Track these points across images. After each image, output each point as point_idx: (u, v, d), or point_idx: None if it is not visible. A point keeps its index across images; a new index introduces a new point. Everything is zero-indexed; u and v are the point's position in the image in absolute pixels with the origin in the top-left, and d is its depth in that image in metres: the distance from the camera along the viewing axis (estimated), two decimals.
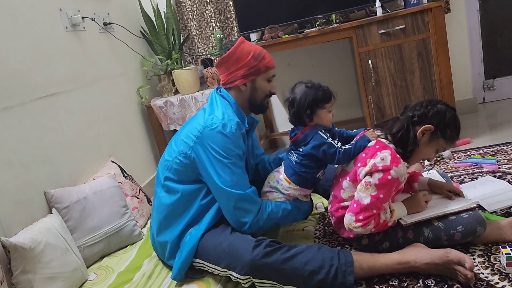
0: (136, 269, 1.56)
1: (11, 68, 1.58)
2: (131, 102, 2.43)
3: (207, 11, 2.70)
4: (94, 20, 2.12)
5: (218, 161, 1.32)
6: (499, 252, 1.22)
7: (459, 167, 1.94)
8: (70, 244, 1.51)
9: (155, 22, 2.56)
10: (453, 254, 1.15)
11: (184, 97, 2.43)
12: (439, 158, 2.09)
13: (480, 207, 1.42)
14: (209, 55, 2.64)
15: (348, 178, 1.32)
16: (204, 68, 2.54)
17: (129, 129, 2.36)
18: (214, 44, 2.73)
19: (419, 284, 1.17)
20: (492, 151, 2.04)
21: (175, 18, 2.64)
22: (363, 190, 1.24)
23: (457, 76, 2.53)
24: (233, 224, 1.35)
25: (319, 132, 1.36)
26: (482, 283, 1.13)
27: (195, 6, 2.71)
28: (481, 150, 2.07)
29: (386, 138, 1.31)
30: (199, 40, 2.76)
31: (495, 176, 1.72)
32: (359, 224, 1.24)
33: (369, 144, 1.32)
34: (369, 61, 2.23)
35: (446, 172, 1.86)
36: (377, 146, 1.28)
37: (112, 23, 2.31)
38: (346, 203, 1.32)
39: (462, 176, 1.83)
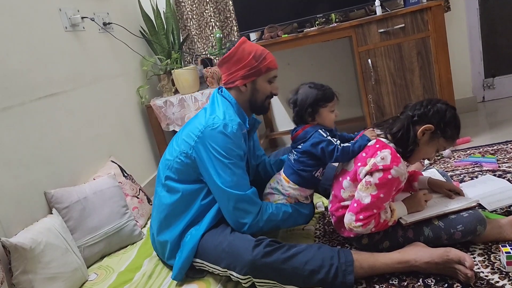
0: (137, 269, 1.56)
1: (11, 68, 1.58)
2: (131, 102, 2.43)
3: (206, 11, 2.70)
4: (93, 20, 2.12)
5: (218, 161, 1.32)
6: (499, 251, 1.21)
7: (459, 166, 1.94)
8: (71, 244, 1.52)
9: (155, 22, 2.56)
10: (453, 253, 1.15)
11: (184, 97, 2.43)
12: (439, 157, 2.09)
13: (480, 206, 1.42)
14: (208, 55, 2.64)
15: (348, 178, 1.32)
16: (204, 68, 2.54)
17: (129, 129, 2.36)
18: (213, 44, 2.73)
19: (419, 283, 1.17)
20: (492, 149, 2.04)
21: (175, 18, 2.64)
22: (363, 189, 1.24)
23: (457, 75, 2.53)
24: (232, 225, 1.35)
25: (319, 130, 1.37)
26: (482, 282, 1.13)
27: (194, 5, 2.71)
28: (481, 149, 2.07)
29: (386, 138, 1.31)
30: (199, 39, 2.76)
31: (495, 175, 1.72)
32: (359, 223, 1.24)
33: (369, 144, 1.32)
34: (369, 60, 2.23)
35: (446, 171, 1.86)
36: (377, 146, 1.28)
37: (111, 23, 2.30)
38: (346, 203, 1.32)
39: (462, 175, 1.83)
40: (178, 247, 1.42)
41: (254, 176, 1.65)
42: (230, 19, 2.71)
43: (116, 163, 2.02)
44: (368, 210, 1.23)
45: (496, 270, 1.16)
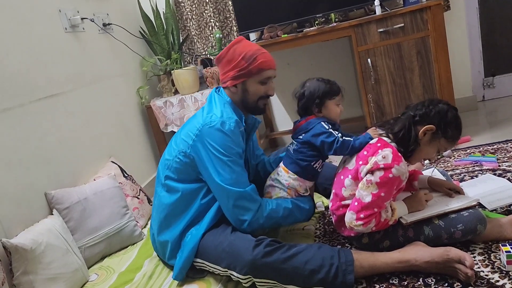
0: (137, 269, 1.56)
1: (11, 69, 1.58)
2: (131, 103, 2.43)
3: (206, 11, 2.71)
4: (93, 21, 2.12)
5: (217, 159, 1.32)
6: (499, 250, 1.21)
7: (459, 165, 1.94)
8: (71, 244, 1.52)
9: (154, 22, 2.57)
10: (453, 252, 1.15)
11: (183, 97, 2.43)
12: (439, 157, 2.09)
13: (480, 205, 1.42)
14: (208, 55, 2.64)
15: (350, 176, 1.32)
16: (204, 68, 2.54)
17: (129, 129, 2.36)
18: (213, 44, 2.73)
19: (419, 283, 1.18)
20: (492, 149, 2.04)
21: (174, 18, 2.64)
22: (364, 188, 1.25)
23: (456, 74, 2.53)
24: (232, 222, 1.35)
25: (322, 122, 1.40)
26: (482, 281, 1.13)
27: (194, 6, 2.71)
28: (481, 148, 2.07)
29: (388, 137, 1.31)
30: (199, 40, 2.76)
31: (495, 174, 1.72)
32: (360, 222, 1.25)
33: (371, 142, 1.32)
34: (369, 59, 2.23)
35: (446, 170, 1.86)
36: (379, 144, 1.28)
37: (111, 23, 2.31)
38: (347, 202, 1.32)
39: (462, 174, 1.83)
40: (178, 247, 1.42)
41: (254, 175, 1.65)
42: (230, 19, 2.71)
43: (116, 164, 2.02)
44: (369, 209, 1.23)
45: (496, 269, 1.16)
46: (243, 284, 1.27)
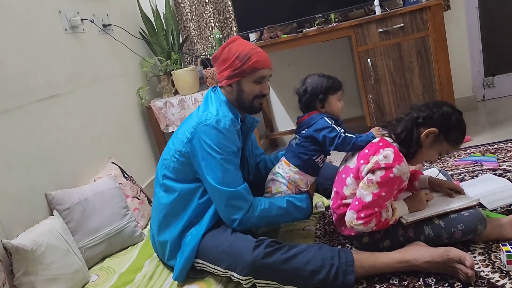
0: (138, 270, 1.56)
1: (11, 70, 1.58)
2: (131, 103, 2.43)
3: (206, 12, 2.71)
4: (93, 22, 2.12)
5: (210, 157, 1.32)
6: (500, 250, 1.22)
7: (459, 165, 1.94)
8: (72, 245, 1.52)
9: (154, 23, 2.57)
10: (454, 252, 1.15)
11: (183, 98, 2.43)
12: (439, 156, 2.09)
13: (480, 205, 1.42)
14: (208, 56, 2.65)
15: (351, 175, 1.32)
16: (204, 69, 2.54)
17: (129, 130, 2.37)
18: (213, 45, 2.73)
19: (419, 283, 1.18)
20: (492, 148, 2.04)
21: (174, 19, 2.64)
22: (365, 187, 1.25)
23: (456, 74, 2.53)
24: (224, 221, 1.36)
25: (325, 117, 1.41)
26: (482, 281, 1.13)
27: (194, 6, 2.72)
28: (481, 148, 2.07)
29: (391, 137, 1.31)
30: (199, 40, 2.76)
31: (495, 174, 1.72)
32: (360, 221, 1.25)
33: (373, 141, 1.32)
34: (368, 59, 2.23)
35: (446, 170, 1.86)
36: (381, 144, 1.28)
37: (111, 24, 2.31)
38: (347, 201, 1.33)
39: (462, 174, 1.83)
40: (178, 248, 1.42)
41: (255, 175, 1.66)
42: (230, 19, 2.71)
43: (116, 164, 2.03)
44: (370, 208, 1.23)
45: (496, 269, 1.16)
46: (243, 285, 1.27)
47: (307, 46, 2.69)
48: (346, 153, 1.46)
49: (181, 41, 2.72)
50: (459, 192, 1.37)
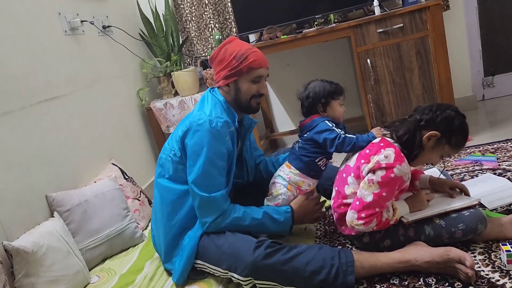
0: (138, 271, 1.57)
1: (11, 72, 1.58)
2: (131, 105, 2.44)
3: (205, 13, 2.71)
4: (93, 24, 2.12)
5: (196, 157, 1.32)
6: (500, 249, 1.22)
7: (459, 165, 1.94)
8: (72, 247, 1.52)
9: (154, 24, 2.57)
10: (454, 252, 1.15)
11: (183, 99, 2.43)
12: None
13: (480, 204, 1.43)
14: (208, 57, 2.64)
15: (352, 174, 1.32)
16: (204, 70, 2.55)
17: (130, 131, 2.37)
18: (213, 46, 2.73)
19: (420, 283, 1.18)
20: (492, 148, 2.04)
21: (174, 20, 2.65)
22: (365, 187, 1.25)
23: (456, 73, 2.53)
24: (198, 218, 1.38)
25: (326, 120, 1.43)
26: (483, 280, 1.13)
27: (193, 7, 2.72)
28: (481, 148, 2.07)
29: (392, 138, 1.31)
30: (198, 41, 2.77)
31: (495, 174, 1.72)
32: (361, 221, 1.25)
33: (374, 141, 1.33)
34: (368, 60, 2.23)
35: (447, 170, 1.86)
36: (382, 144, 1.28)
37: (111, 26, 2.31)
38: (348, 200, 1.33)
39: (462, 174, 1.83)
40: (173, 250, 1.42)
41: (255, 176, 1.66)
42: (229, 20, 2.72)
43: (116, 166, 2.03)
44: (371, 208, 1.24)
45: (496, 269, 1.16)
46: (244, 286, 1.27)
47: (307, 47, 2.69)
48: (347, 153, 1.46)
49: (180, 42, 2.72)
50: (462, 189, 1.37)
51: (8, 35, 1.61)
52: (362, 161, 1.29)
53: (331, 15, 2.39)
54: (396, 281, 1.21)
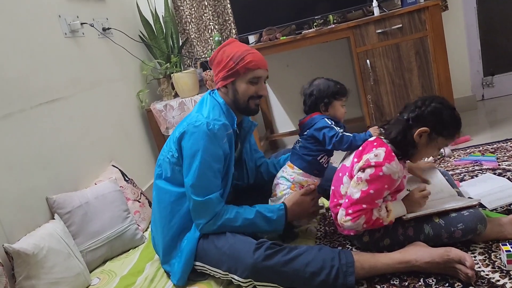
0: (139, 272, 1.57)
1: (11, 75, 1.59)
2: (131, 106, 2.44)
3: (205, 14, 2.72)
4: (93, 26, 2.13)
5: (193, 159, 1.32)
6: (500, 249, 1.22)
7: (459, 165, 1.94)
8: (73, 249, 1.52)
9: (154, 26, 2.58)
10: (454, 252, 1.15)
11: (183, 100, 2.44)
12: (439, 157, 2.09)
13: (480, 204, 1.43)
14: (208, 58, 2.65)
15: (347, 173, 1.33)
16: (203, 71, 2.55)
17: (130, 133, 2.37)
18: (213, 47, 2.74)
19: (420, 283, 1.18)
20: (491, 148, 2.04)
21: (174, 22, 2.65)
22: (354, 185, 1.26)
23: (455, 73, 2.53)
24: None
25: (325, 118, 1.45)
26: (483, 280, 1.13)
27: (193, 9, 2.72)
28: (481, 148, 2.08)
29: (386, 139, 1.31)
30: (198, 43, 2.77)
31: (495, 173, 1.72)
32: (348, 217, 1.26)
33: (369, 140, 1.34)
34: (367, 60, 2.23)
35: (447, 170, 1.86)
36: (375, 143, 1.29)
37: (111, 28, 2.32)
38: (342, 201, 1.33)
39: (462, 174, 1.83)
40: (171, 251, 1.42)
41: (256, 178, 1.66)
42: (229, 22, 2.72)
43: (117, 168, 2.03)
44: (357, 204, 1.25)
45: (496, 269, 1.16)
46: None
47: (306, 48, 2.69)
48: (345, 152, 1.47)
49: (180, 44, 2.72)
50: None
51: (8, 38, 1.61)
52: (355, 160, 1.30)
53: (330, 16, 2.39)
54: (396, 281, 1.21)
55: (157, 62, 2.59)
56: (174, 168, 1.40)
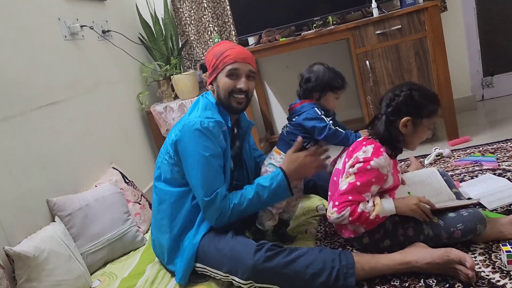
0: (139, 274, 1.57)
1: (11, 77, 1.59)
2: (131, 108, 2.44)
3: (204, 16, 2.72)
4: (92, 28, 2.13)
5: (193, 159, 1.33)
6: (500, 250, 1.22)
7: (459, 166, 1.94)
8: (73, 251, 1.52)
9: (153, 28, 2.58)
10: (454, 253, 1.15)
11: (183, 102, 2.44)
12: (439, 157, 2.09)
13: (480, 205, 1.43)
14: None
15: (341, 176, 1.35)
16: (203, 73, 2.55)
17: (130, 135, 2.37)
18: None
19: (420, 284, 1.18)
20: (491, 148, 2.04)
21: (173, 24, 2.66)
22: (343, 179, 1.30)
23: (455, 74, 2.54)
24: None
25: (315, 107, 1.44)
26: (483, 281, 1.13)
27: (192, 11, 2.73)
28: (481, 148, 2.08)
29: (376, 139, 1.33)
30: (198, 45, 2.78)
31: (495, 174, 1.72)
32: (334, 209, 1.28)
33: (358, 140, 1.37)
34: (367, 61, 2.24)
35: (446, 171, 1.86)
36: (364, 142, 1.32)
37: (110, 30, 2.32)
38: None
39: (462, 175, 1.83)
40: (175, 252, 1.43)
41: (256, 177, 1.66)
42: (228, 23, 2.73)
43: (117, 170, 2.03)
44: (343, 195, 1.27)
45: (497, 269, 1.16)
46: None
47: (306, 49, 2.69)
48: (336, 156, 1.48)
49: (180, 45, 2.73)
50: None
51: (8, 40, 1.62)
52: (347, 160, 1.33)
53: (330, 17, 2.39)
54: (397, 282, 1.21)
55: (157, 64, 2.60)
56: (173, 169, 1.41)
